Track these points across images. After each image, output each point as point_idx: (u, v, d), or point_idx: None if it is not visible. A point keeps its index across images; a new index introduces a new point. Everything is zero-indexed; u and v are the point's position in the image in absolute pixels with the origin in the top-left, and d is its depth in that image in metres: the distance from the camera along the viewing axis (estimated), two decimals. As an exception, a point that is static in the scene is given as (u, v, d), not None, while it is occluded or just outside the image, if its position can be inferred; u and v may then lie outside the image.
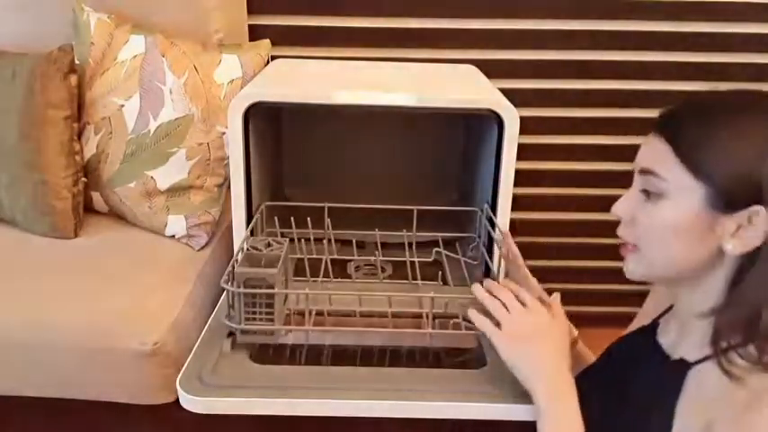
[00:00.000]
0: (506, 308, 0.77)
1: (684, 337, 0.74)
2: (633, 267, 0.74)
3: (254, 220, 1.04)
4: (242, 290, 0.82)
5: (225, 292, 0.86)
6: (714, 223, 0.66)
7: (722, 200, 0.65)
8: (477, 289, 0.82)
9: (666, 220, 0.68)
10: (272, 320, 0.85)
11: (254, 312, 0.84)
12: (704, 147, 0.66)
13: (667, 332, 0.79)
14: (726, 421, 0.62)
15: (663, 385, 0.72)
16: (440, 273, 1.09)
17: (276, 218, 1.11)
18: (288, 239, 0.93)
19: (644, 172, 0.70)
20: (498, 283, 0.85)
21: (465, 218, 1.17)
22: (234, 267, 0.84)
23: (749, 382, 0.63)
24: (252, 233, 1.00)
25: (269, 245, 0.90)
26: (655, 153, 0.69)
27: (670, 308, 0.81)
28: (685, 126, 0.68)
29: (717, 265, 0.69)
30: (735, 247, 0.66)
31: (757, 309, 0.65)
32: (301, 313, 0.92)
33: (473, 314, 0.80)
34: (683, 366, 0.71)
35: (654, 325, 0.83)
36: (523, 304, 0.78)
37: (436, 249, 1.14)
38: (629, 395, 0.77)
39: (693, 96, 0.73)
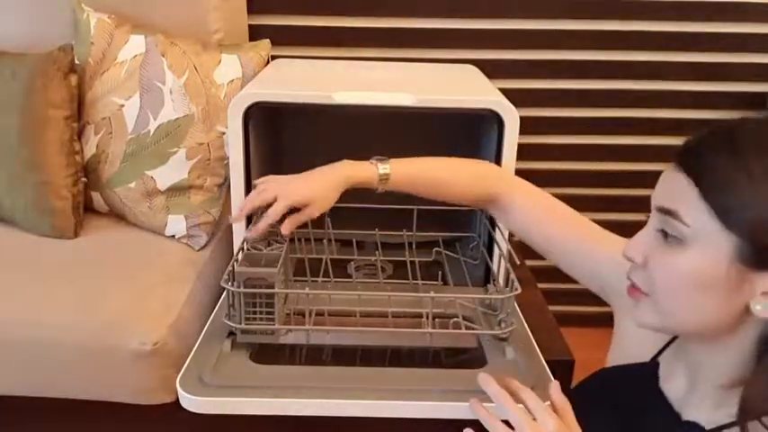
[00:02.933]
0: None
1: (696, 397, 0.65)
2: (645, 316, 0.63)
3: (254, 219, 1.04)
4: (242, 289, 0.82)
5: (225, 291, 0.86)
6: (743, 279, 0.57)
7: (754, 253, 0.56)
8: (485, 384, 0.71)
9: (686, 271, 0.58)
10: (272, 320, 0.85)
11: (255, 312, 0.84)
12: (736, 190, 0.56)
13: (672, 380, 0.69)
14: None
15: None
16: (440, 273, 1.09)
17: None
18: (288, 239, 0.93)
19: (663, 211, 0.60)
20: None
21: (465, 218, 1.17)
22: (234, 267, 0.84)
23: None
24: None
25: (269, 244, 0.90)
26: (676, 191, 0.59)
27: (671, 341, 0.72)
28: (714, 163, 0.57)
29: (744, 326, 0.59)
30: (765, 308, 0.57)
31: None
32: (301, 313, 0.92)
33: (480, 413, 0.70)
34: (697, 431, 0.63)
35: (655, 366, 0.72)
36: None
37: (436, 249, 1.14)
38: None
39: (721, 125, 0.61)
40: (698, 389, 0.64)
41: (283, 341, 0.89)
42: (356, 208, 1.22)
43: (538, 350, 0.87)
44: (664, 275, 0.60)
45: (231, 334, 0.87)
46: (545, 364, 0.84)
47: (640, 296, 0.63)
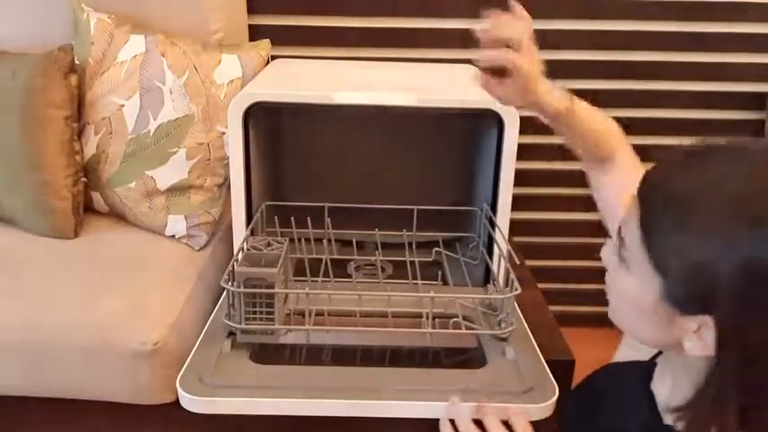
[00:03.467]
0: None
1: (675, 402, 0.62)
2: (610, 314, 0.65)
3: (254, 219, 1.04)
4: (242, 289, 0.83)
5: (225, 291, 0.87)
6: (672, 318, 0.56)
7: (678, 299, 0.55)
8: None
9: (625, 294, 0.60)
10: (272, 320, 0.85)
11: (255, 312, 0.84)
12: (668, 238, 0.54)
13: (662, 382, 0.68)
14: None
15: None
16: (440, 273, 1.09)
17: (276, 218, 1.11)
18: (288, 239, 0.93)
19: (618, 233, 0.61)
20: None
21: (465, 218, 1.17)
22: (234, 267, 0.84)
23: None
24: (252, 233, 1.00)
25: (269, 244, 0.90)
26: (630, 219, 0.58)
27: None
28: (657, 208, 0.56)
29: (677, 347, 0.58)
30: (693, 347, 0.56)
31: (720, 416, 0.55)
32: (301, 313, 0.92)
33: None
34: None
35: (651, 365, 0.71)
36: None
37: (436, 249, 1.14)
38: None
39: (685, 157, 0.57)
40: (676, 395, 0.63)
41: (283, 341, 0.90)
42: (356, 208, 1.23)
43: (538, 350, 0.87)
44: (611, 290, 0.63)
45: (231, 334, 0.88)
46: (545, 364, 0.84)
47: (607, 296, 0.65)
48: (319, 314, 0.98)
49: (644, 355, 0.73)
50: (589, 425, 0.73)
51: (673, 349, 0.61)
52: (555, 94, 0.78)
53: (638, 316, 0.60)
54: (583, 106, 0.81)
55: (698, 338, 0.55)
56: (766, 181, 0.53)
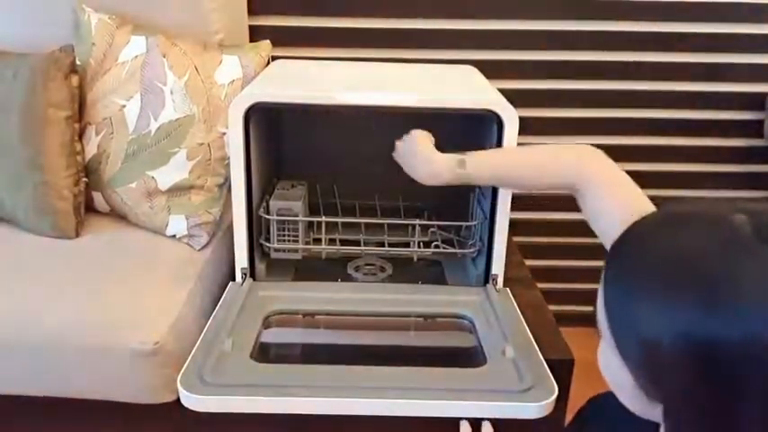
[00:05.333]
0: None
1: None
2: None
3: (275, 180, 1.24)
4: (275, 217, 1.10)
5: (260, 219, 1.09)
6: (647, 401, 0.51)
7: (645, 390, 0.50)
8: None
9: (608, 371, 0.54)
10: (297, 241, 1.13)
11: (284, 235, 1.13)
12: (627, 333, 0.49)
13: None
14: None
15: None
16: (440, 273, 1.09)
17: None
18: (307, 183, 1.21)
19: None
20: None
21: (465, 217, 1.18)
22: (268, 201, 1.12)
23: None
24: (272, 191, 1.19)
25: (293, 186, 1.20)
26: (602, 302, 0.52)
27: None
28: (616, 275, 0.51)
29: None
30: None
31: None
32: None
33: None
34: None
35: None
36: None
37: (435, 244, 1.14)
38: None
39: (661, 220, 0.52)
40: None
41: (293, 308, 1.00)
42: (355, 206, 1.23)
43: (538, 350, 0.87)
44: (598, 359, 0.56)
45: (265, 255, 1.11)
46: (545, 364, 0.84)
47: None
48: (319, 315, 0.98)
49: None
50: None
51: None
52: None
53: (622, 390, 0.54)
54: (478, 160, 0.87)
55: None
56: (727, 268, 0.44)
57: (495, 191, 1.01)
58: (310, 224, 1.18)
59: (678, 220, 0.50)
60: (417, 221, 1.12)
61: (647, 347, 0.46)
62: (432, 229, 1.18)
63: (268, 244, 1.11)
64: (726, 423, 0.45)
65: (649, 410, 0.52)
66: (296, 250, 1.14)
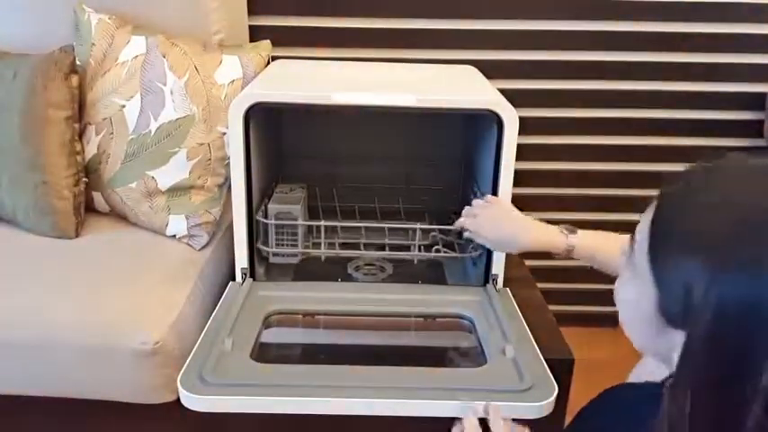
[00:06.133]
0: None
1: None
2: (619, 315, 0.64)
3: (274, 184, 1.22)
4: (273, 221, 1.09)
5: (258, 223, 1.07)
6: (665, 330, 0.56)
7: (669, 312, 0.55)
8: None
9: (629, 298, 0.60)
10: (296, 245, 1.12)
11: (283, 240, 1.11)
12: (669, 256, 0.54)
13: None
14: None
15: None
16: (440, 273, 1.09)
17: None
18: (306, 186, 1.20)
19: (632, 237, 0.60)
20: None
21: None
22: (266, 205, 1.10)
23: None
24: (271, 194, 1.19)
25: (292, 189, 1.18)
26: (643, 225, 0.58)
27: None
28: (669, 212, 0.56)
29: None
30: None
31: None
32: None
33: None
34: None
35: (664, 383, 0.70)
36: None
37: (436, 248, 1.14)
38: None
39: (700, 174, 0.57)
40: None
41: (293, 308, 1.00)
42: (356, 207, 1.23)
43: (538, 350, 0.87)
44: (616, 291, 0.62)
45: (263, 259, 1.09)
46: (545, 364, 0.84)
47: None
48: (319, 315, 0.98)
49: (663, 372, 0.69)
50: None
51: (665, 363, 0.60)
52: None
53: (637, 321, 0.60)
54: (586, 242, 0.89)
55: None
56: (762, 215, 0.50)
57: (495, 192, 1.01)
58: (309, 228, 1.17)
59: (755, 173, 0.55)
60: (418, 225, 1.11)
61: (690, 291, 0.51)
62: (432, 233, 1.18)
63: (266, 248, 1.09)
64: (741, 374, 0.50)
65: (653, 346, 0.59)
66: (295, 254, 1.12)
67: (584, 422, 0.76)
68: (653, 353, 0.62)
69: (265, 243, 1.09)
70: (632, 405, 0.71)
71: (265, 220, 1.08)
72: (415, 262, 1.14)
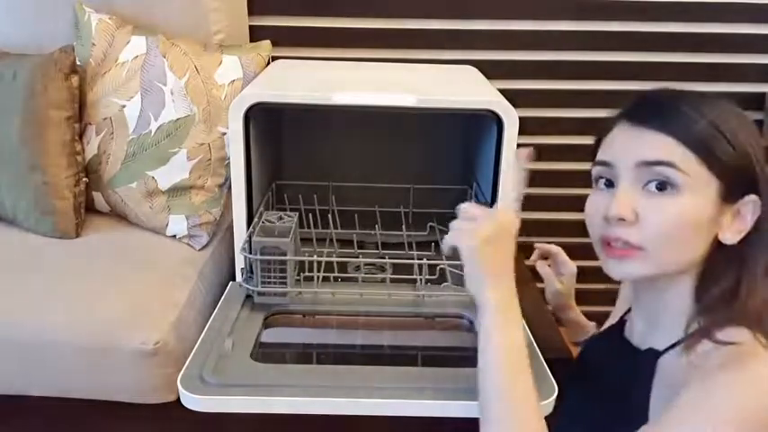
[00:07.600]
0: None
1: (652, 331, 0.77)
2: (636, 270, 0.71)
3: (265, 197, 1.11)
4: (259, 257, 0.92)
5: (244, 258, 0.97)
6: (720, 212, 0.69)
7: (727, 190, 0.68)
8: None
9: (686, 215, 0.68)
10: (284, 284, 0.95)
11: (270, 277, 0.95)
12: (712, 141, 0.68)
13: (633, 327, 0.81)
14: (691, 383, 0.63)
15: (636, 374, 0.74)
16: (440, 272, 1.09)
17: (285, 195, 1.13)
18: (297, 214, 1.03)
19: (657, 164, 0.68)
20: None
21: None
22: (251, 238, 0.94)
23: (710, 356, 0.66)
24: (265, 208, 1.08)
25: (281, 218, 1.01)
26: (661, 146, 0.68)
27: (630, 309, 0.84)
28: (692, 121, 0.69)
29: (701, 259, 0.71)
30: (732, 236, 0.69)
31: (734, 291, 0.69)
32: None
33: None
34: (653, 355, 0.74)
35: (621, 323, 0.87)
36: None
37: (440, 268, 1.14)
38: (604, 386, 0.80)
39: (668, 91, 0.78)
40: (652, 323, 0.77)
41: (293, 308, 0.97)
42: (356, 208, 1.23)
43: (537, 349, 0.87)
44: (663, 222, 0.68)
45: (248, 297, 0.97)
46: (545, 364, 0.84)
47: (632, 252, 0.70)
48: (320, 315, 0.98)
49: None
50: (589, 386, 0.83)
51: (672, 283, 0.72)
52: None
53: (691, 233, 0.68)
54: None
55: (737, 223, 0.69)
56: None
57: (494, 193, 1.01)
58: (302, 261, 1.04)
59: None
60: (425, 261, 0.99)
61: (743, 153, 0.69)
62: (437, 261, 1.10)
63: (251, 287, 0.95)
64: None
65: (700, 243, 0.70)
66: (284, 294, 0.96)
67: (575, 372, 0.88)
68: (694, 257, 0.70)
69: (250, 278, 0.96)
70: (600, 346, 0.89)
71: (250, 256, 0.94)
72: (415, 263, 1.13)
